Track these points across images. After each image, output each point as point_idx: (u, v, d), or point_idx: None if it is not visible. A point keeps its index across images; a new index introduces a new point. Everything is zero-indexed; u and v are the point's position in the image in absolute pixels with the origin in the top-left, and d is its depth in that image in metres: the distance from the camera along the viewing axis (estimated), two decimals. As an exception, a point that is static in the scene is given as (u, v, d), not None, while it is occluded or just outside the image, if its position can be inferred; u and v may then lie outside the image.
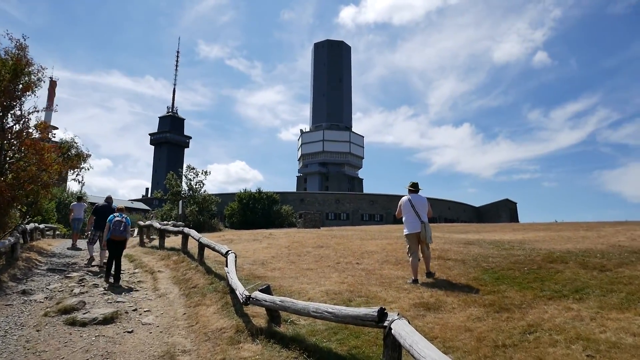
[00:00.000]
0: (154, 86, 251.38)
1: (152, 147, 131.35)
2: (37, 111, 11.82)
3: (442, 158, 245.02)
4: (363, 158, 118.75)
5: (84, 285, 8.73)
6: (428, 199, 8.43)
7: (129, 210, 76.28)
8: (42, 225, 19.48)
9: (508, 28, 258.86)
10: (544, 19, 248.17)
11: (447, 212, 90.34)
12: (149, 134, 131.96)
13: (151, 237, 16.91)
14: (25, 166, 11.69)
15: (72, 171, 13.58)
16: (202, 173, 41.06)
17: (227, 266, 7.05)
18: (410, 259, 7.88)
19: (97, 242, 11.78)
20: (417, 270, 7.77)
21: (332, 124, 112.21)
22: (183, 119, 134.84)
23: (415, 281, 7.52)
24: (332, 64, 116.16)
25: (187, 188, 40.57)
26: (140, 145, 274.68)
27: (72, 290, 8.24)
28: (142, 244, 15.03)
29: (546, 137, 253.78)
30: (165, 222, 20.53)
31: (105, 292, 8.18)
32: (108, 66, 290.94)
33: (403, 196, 8.45)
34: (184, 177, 41.38)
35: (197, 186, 40.73)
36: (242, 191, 61.33)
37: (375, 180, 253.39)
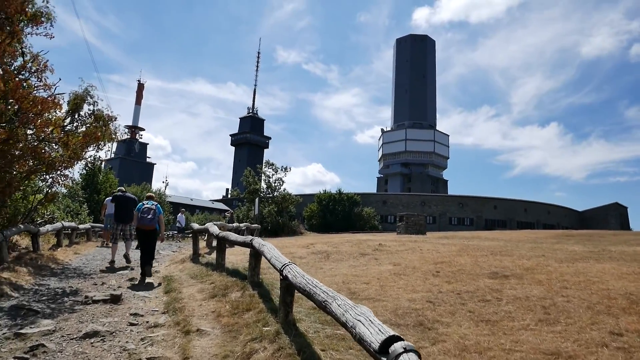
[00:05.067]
0: (235, 92, 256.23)
1: (233, 148, 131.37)
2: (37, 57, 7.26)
3: (526, 160, 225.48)
4: (448, 158, 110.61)
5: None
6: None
7: (209, 210, 74.74)
8: (84, 226, 15.41)
9: (599, 20, 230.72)
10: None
11: (546, 216, 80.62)
12: (230, 135, 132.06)
13: (213, 244, 12.05)
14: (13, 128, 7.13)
15: (90, 147, 8.88)
16: (281, 169, 36.47)
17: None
18: None
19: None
20: None
21: (415, 122, 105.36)
22: (263, 120, 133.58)
23: None
24: (415, 60, 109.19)
25: (265, 186, 36.24)
26: (222, 148, 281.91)
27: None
28: (195, 257, 10.07)
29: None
30: (235, 225, 15.70)
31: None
32: (194, 74, 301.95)
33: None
34: (262, 174, 37.13)
35: (276, 184, 36.24)
36: (322, 192, 56.88)
37: (458, 183, 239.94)
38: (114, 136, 9.68)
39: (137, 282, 7.85)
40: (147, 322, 5.34)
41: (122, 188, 11.12)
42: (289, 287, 4.06)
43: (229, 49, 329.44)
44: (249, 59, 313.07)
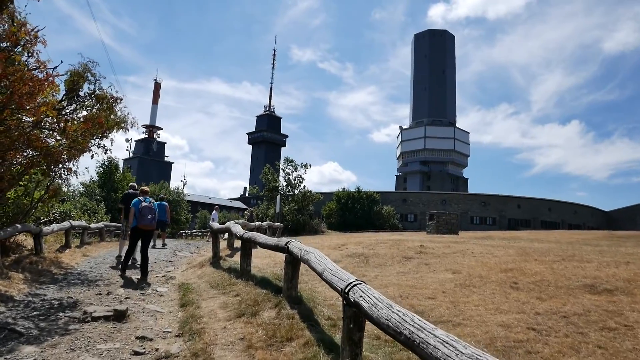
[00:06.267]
0: (251, 91, 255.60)
1: (250, 147, 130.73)
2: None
3: (546, 159, 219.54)
4: (468, 156, 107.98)
5: None
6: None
7: (227, 209, 74.07)
8: (96, 225, 14.36)
9: (623, 14, 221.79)
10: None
11: (572, 216, 78.06)
12: (247, 133, 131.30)
13: (234, 244, 10.85)
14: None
15: (95, 136, 7.68)
16: (301, 166, 35.16)
17: None
18: None
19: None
20: None
21: (435, 120, 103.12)
22: (280, 118, 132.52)
23: None
24: (434, 55, 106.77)
25: (284, 183, 35.00)
26: (238, 147, 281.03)
27: None
28: (215, 261, 8.83)
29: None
30: (257, 224, 14.50)
31: None
32: (209, 74, 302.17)
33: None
34: (281, 171, 35.92)
35: (295, 181, 34.99)
36: (341, 190, 55.67)
37: (478, 181, 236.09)
38: (123, 125, 8.50)
39: (145, 291, 6.68)
40: (157, 349, 4.12)
41: (134, 184, 10.08)
42: (357, 317, 2.78)
43: (244, 48, 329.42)
44: (263, 58, 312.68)
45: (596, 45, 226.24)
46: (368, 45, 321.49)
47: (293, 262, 4.71)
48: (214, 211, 21.62)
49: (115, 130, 8.04)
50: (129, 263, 8.38)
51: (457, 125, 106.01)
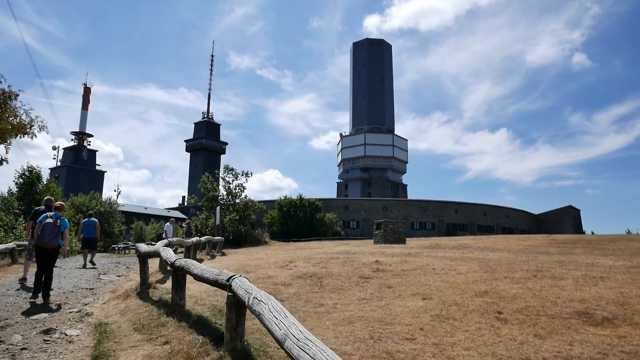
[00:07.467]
0: (188, 97, 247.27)
1: (188, 154, 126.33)
2: None
3: (478, 164, 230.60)
4: (407, 162, 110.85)
5: None
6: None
7: (165, 219, 70.45)
8: (4, 246, 12.32)
9: (543, 29, 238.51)
10: (581, 18, 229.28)
11: (504, 220, 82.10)
12: (185, 141, 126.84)
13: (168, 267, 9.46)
14: None
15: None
16: (242, 175, 33.67)
17: None
18: None
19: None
20: None
21: (374, 127, 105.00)
22: (219, 125, 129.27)
23: None
24: (373, 64, 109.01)
25: (225, 192, 33.36)
26: (176, 155, 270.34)
27: None
28: (144, 290, 7.43)
29: (590, 141, 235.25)
30: (195, 240, 13.05)
31: None
32: (144, 80, 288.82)
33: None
34: (221, 180, 34.23)
35: (236, 190, 33.46)
36: (283, 198, 54.77)
37: (416, 187, 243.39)
38: (29, 129, 6.95)
39: (51, 336, 5.26)
40: None
41: (51, 198, 8.60)
42: None
43: (180, 54, 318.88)
44: (201, 64, 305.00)
45: (520, 58, 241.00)
46: (306, 53, 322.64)
47: (237, 305, 3.60)
48: (168, 224, 19.22)
49: (14, 135, 6.51)
50: (34, 283, 7.33)
51: (395, 132, 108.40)
